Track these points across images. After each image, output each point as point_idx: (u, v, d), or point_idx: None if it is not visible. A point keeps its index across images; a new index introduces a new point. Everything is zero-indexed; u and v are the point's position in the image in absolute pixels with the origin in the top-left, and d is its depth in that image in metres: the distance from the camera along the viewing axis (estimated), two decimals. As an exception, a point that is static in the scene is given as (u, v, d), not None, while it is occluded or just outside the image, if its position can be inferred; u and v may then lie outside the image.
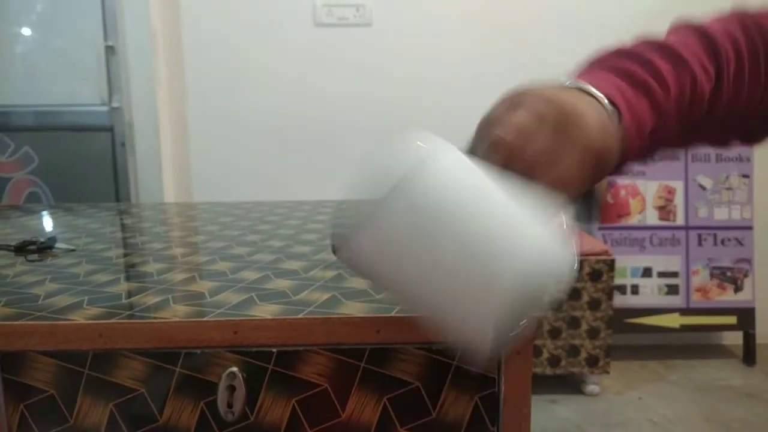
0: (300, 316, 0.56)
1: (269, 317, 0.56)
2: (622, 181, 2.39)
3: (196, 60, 2.46)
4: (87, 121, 2.29)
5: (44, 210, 1.32)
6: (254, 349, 0.55)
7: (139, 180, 2.36)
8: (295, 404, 0.56)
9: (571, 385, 2.17)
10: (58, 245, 0.86)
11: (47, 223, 1.16)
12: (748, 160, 2.38)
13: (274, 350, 0.55)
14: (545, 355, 2.09)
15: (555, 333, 2.08)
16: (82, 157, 2.30)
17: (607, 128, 0.43)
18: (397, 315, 0.56)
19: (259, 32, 2.45)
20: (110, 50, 2.25)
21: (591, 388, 2.14)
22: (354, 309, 0.58)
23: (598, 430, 1.91)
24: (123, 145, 2.31)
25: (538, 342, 2.08)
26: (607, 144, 0.43)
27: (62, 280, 0.70)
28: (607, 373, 2.12)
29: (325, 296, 0.62)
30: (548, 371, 2.10)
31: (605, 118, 0.43)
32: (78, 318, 0.56)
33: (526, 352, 0.57)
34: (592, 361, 2.09)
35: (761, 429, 1.92)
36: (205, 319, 0.56)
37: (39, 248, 0.85)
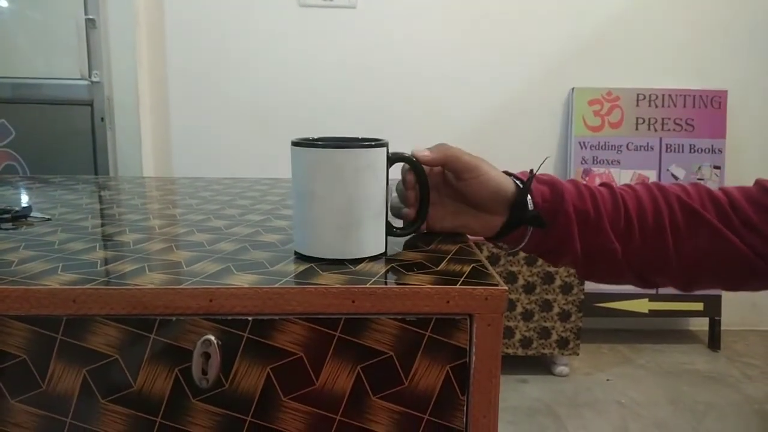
0: (276, 285, 0.57)
1: (245, 286, 0.56)
2: (597, 170, 2.43)
3: (178, 37, 2.42)
4: (66, 95, 2.25)
5: (20, 181, 1.30)
6: (230, 317, 0.56)
7: (119, 155, 2.33)
8: (270, 372, 0.57)
9: (542, 365, 2.22)
10: (34, 214, 0.85)
11: (22, 193, 1.14)
12: (720, 151, 2.43)
13: (250, 318, 0.56)
14: (517, 336, 2.13)
15: (527, 315, 2.12)
16: (60, 131, 2.26)
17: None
18: (372, 286, 0.57)
19: (243, 11, 2.42)
20: (91, 23, 2.20)
21: (561, 369, 2.19)
22: (330, 280, 0.59)
23: (567, 410, 1.96)
24: (102, 119, 2.28)
25: (511, 324, 2.12)
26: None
27: (37, 247, 0.69)
28: (577, 354, 2.17)
29: (303, 267, 0.63)
30: (520, 352, 2.14)
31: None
32: (52, 283, 0.56)
33: (497, 326, 0.58)
34: (563, 343, 2.14)
35: (724, 412, 1.99)
36: (180, 286, 0.56)
37: (13, 217, 0.84)
